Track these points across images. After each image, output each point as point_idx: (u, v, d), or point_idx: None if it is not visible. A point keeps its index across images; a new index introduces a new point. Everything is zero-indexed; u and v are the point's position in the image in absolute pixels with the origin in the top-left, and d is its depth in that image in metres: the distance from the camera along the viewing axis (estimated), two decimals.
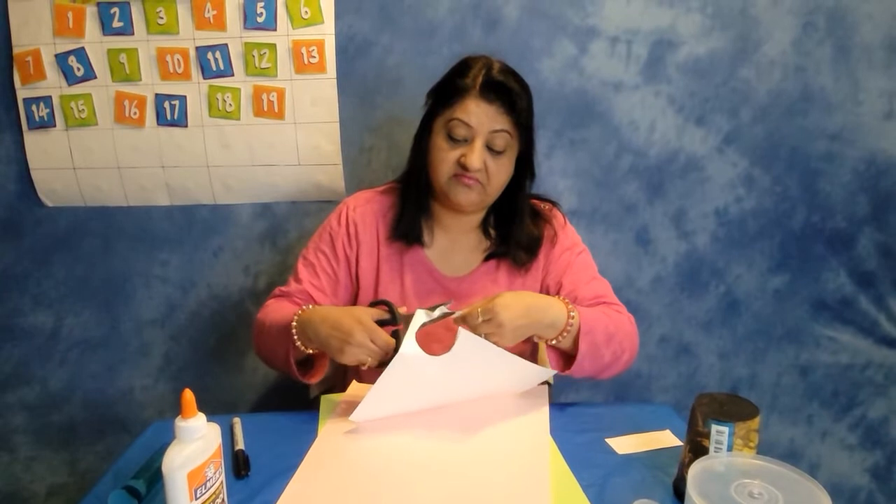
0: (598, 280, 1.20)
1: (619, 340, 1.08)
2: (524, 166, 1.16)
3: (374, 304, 1.04)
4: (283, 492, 0.83)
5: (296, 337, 1.02)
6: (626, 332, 1.10)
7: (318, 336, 0.99)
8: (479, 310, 0.96)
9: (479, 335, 0.96)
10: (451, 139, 1.08)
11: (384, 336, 0.97)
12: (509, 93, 1.06)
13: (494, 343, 0.96)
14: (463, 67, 1.10)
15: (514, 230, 1.17)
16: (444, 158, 1.09)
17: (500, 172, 1.10)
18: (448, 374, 0.96)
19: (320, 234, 1.22)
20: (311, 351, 1.04)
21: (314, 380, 1.09)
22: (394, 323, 1.00)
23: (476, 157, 1.06)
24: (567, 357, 1.07)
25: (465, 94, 1.07)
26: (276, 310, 1.12)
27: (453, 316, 0.99)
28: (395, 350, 0.95)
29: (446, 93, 1.10)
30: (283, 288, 1.19)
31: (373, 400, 0.95)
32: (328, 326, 0.98)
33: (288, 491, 0.83)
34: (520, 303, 0.98)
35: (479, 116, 1.06)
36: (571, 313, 1.02)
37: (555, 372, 1.06)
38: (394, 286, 1.18)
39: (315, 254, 1.20)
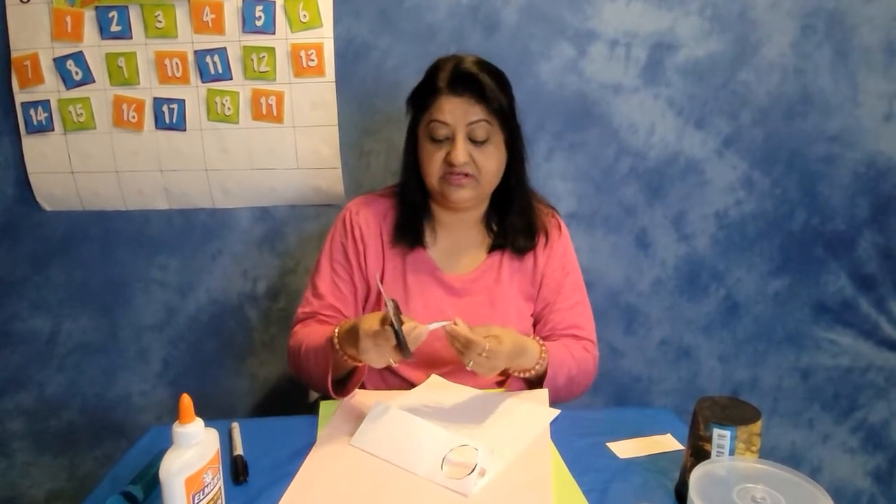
0: (581, 305, 1.24)
1: (577, 382, 1.16)
2: (513, 151, 1.16)
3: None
4: (282, 497, 0.83)
5: (339, 348, 1.02)
6: (585, 373, 1.18)
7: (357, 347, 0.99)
8: (486, 342, 0.96)
9: (466, 362, 0.98)
10: (435, 141, 1.10)
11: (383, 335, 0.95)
12: (477, 82, 1.08)
13: (475, 372, 0.99)
14: (433, 70, 1.12)
15: (513, 216, 1.19)
16: (432, 160, 1.11)
17: (489, 161, 1.11)
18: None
19: (329, 245, 1.22)
20: (357, 363, 1.05)
21: (342, 395, 1.09)
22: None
23: (460, 152, 1.07)
24: (528, 383, 1.14)
25: (437, 95, 1.09)
26: (308, 334, 1.13)
27: (447, 326, 0.97)
28: (396, 336, 0.93)
29: (421, 98, 1.12)
30: (304, 309, 1.20)
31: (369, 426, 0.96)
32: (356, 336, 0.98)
33: (286, 496, 0.83)
34: (510, 340, 1.02)
35: (453, 112, 1.08)
36: (543, 355, 1.09)
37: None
38: (396, 286, 1.19)
39: (331, 266, 1.20)
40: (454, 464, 0.87)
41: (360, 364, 1.05)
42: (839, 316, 1.63)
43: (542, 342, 1.11)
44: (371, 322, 0.95)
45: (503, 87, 1.11)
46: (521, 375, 1.09)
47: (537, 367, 1.08)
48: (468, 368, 0.99)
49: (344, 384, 1.09)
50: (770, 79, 1.50)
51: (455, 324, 0.97)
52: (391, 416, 0.96)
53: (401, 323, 0.92)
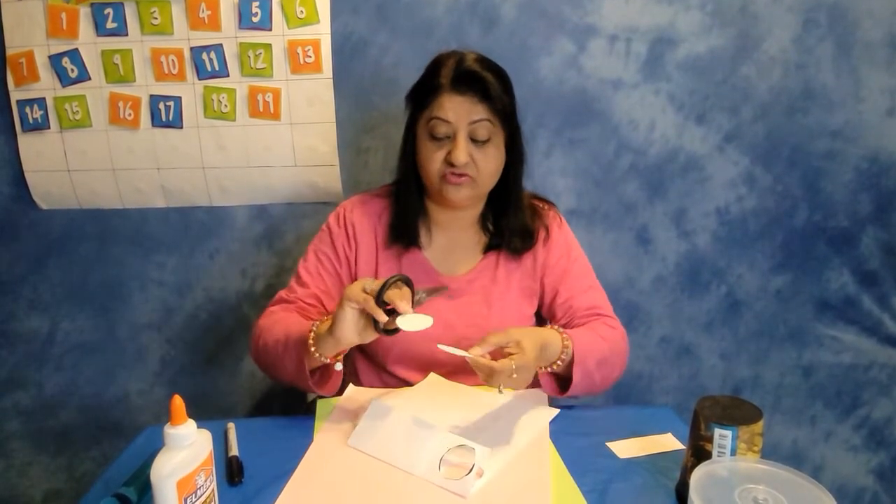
0: (594, 289, 1.21)
1: (610, 364, 1.10)
2: (513, 152, 1.14)
3: (391, 282, 0.95)
4: (277, 498, 0.82)
5: (313, 348, 0.96)
6: (617, 353, 1.12)
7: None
8: (511, 364, 0.91)
9: (496, 386, 0.92)
10: (435, 139, 1.08)
11: (360, 286, 0.92)
12: (481, 81, 1.05)
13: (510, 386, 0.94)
14: (435, 66, 1.10)
15: (509, 217, 1.17)
16: (432, 159, 1.08)
17: (489, 162, 1.09)
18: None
19: (320, 237, 1.21)
20: (328, 359, 0.98)
21: (325, 391, 1.05)
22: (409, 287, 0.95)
23: (461, 151, 1.05)
24: (559, 379, 1.07)
25: (440, 92, 1.06)
26: (280, 320, 1.08)
27: (468, 357, 0.92)
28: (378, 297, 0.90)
29: (422, 94, 1.10)
30: (286, 293, 1.17)
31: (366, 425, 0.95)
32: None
33: (282, 497, 0.82)
34: (531, 343, 0.95)
35: (456, 110, 1.05)
36: (566, 342, 1.02)
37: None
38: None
39: (317, 256, 1.19)
40: (452, 464, 0.86)
41: (325, 361, 0.98)
42: (842, 313, 1.62)
43: (559, 329, 1.05)
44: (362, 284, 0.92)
45: (506, 87, 1.09)
46: (551, 369, 1.02)
47: (563, 355, 1.01)
48: (500, 392, 0.94)
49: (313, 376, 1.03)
50: (771, 74, 1.49)
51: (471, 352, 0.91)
52: (389, 415, 0.95)
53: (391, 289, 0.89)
